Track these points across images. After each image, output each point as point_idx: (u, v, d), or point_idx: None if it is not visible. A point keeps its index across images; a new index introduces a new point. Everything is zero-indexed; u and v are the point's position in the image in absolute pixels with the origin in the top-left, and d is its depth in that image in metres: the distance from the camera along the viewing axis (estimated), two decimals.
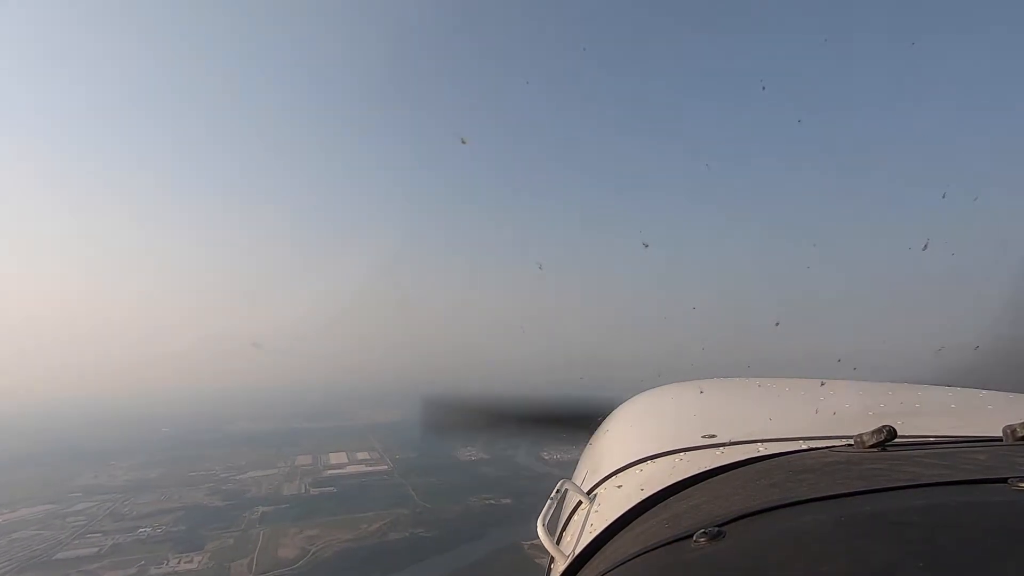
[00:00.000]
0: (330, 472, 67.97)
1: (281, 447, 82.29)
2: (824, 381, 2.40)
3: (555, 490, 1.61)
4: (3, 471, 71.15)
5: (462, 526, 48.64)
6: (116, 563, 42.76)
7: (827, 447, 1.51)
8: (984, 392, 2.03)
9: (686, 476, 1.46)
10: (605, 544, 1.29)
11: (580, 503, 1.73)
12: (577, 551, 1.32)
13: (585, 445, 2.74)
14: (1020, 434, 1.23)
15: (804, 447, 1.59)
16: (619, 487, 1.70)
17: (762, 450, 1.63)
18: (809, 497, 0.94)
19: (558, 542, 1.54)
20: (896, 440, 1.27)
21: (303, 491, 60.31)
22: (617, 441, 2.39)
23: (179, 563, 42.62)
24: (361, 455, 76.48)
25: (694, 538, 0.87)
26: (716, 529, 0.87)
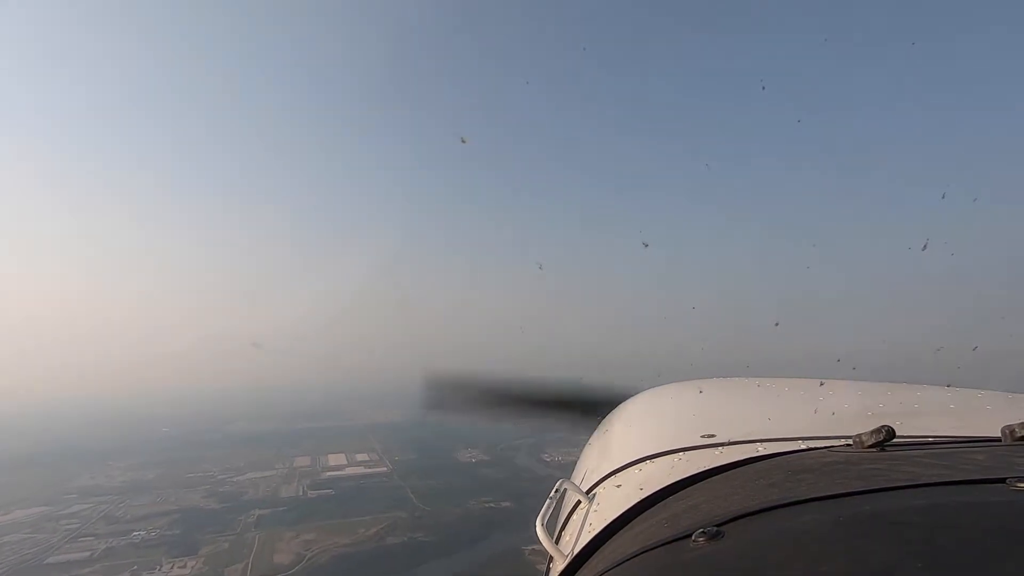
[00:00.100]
0: (329, 474, 67.78)
1: (280, 448, 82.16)
2: (823, 381, 2.39)
3: (554, 490, 1.60)
4: (2, 471, 71.00)
5: (461, 530, 48.18)
6: (108, 568, 42.17)
7: (826, 447, 1.51)
8: (983, 392, 2.03)
9: (685, 476, 1.46)
10: (604, 544, 1.29)
11: (579, 503, 1.72)
12: (576, 551, 1.32)
13: (585, 443, 2.74)
14: (1019, 434, 1.23)
15: (803, 447, 1.59)
16: (618, 487, 1.70)
17: (761, 450, 1.62)
18: (808, 497, 0.94)
19: (557, 542, 1.53)
20: (895, 440, 1.27)
21: (301, 493, 60.06)
22: (616, 441, 2.38)
23: (172, 568, 41.93)
24: (360, 456, 76.33)
25: (693, 538, 0.87)
26: (715, 529, 0.87)
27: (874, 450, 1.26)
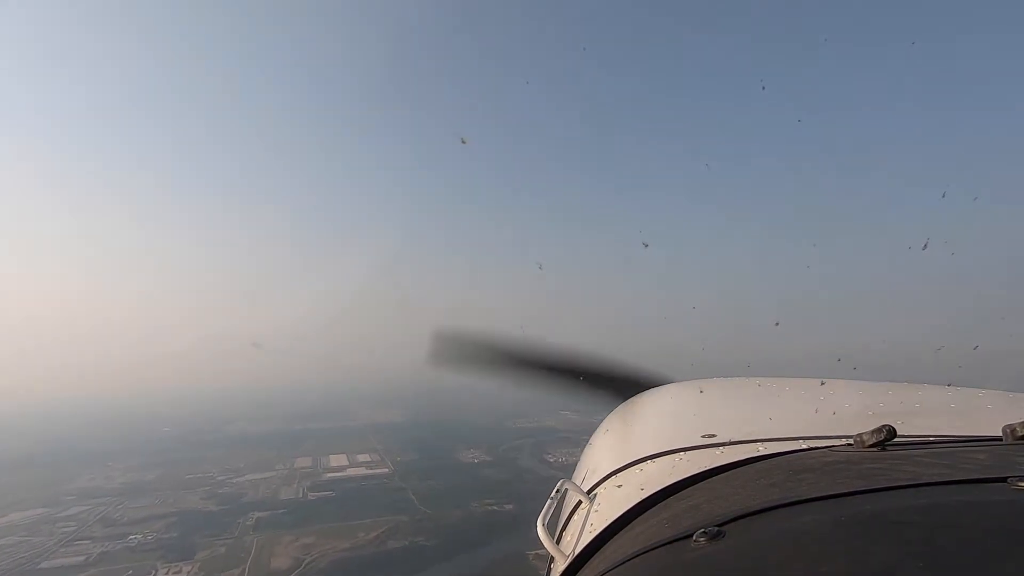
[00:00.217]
0: (329, 475, 67.50)
1: (281, 448, 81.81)
2: (824, 381, 2.39)
3: (555, 490, 1.60)
4: (1, 472, 70.81)
5: (463, 534, 47.59)
6: (102, 573, 41.48)
7: (827, 447, 1.51)
8: (984, 392, 2.02)
9: (686, 476, 1.45)
10: (605, 544, 1.29)
11: (580, 503, 1.72)
12: (577, 551, 1.32)
13: (586, 443, 2.73)
14: (1020, 433, 1.23)
15: (804, 447, 1.59)
16: (619, 487, 1.70)
17: (762, 450, 1.62)
18: (809, 497, 0.94)
19: (558, 542, 1.53)
20: (896, 440, 1.27)
21: (301, 495, 59.66)
22: (617, 441, 2.38)
23: (167, 573, 41.33)
24: (362, 457, 76.06)
25: (694, 538, 0.87)
26: (716, 529, 0.87)
27: (875, 450, 1.26)
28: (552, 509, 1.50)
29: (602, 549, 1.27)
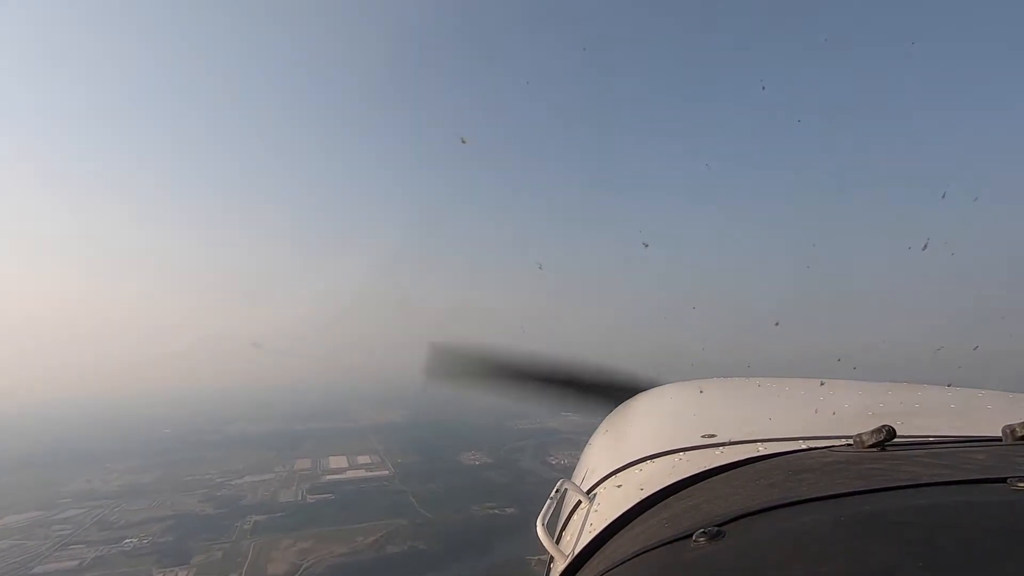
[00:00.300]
0: (329, 477, 67.11)
1: (281, 450, 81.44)
2: (824, 381, 2.39)
3: (555, 490, 1.60)
4: (1, 473, 70.62)
5: (463, 539, 47.00)
6: None
7: (827, 447, 1.51)
8: (984, 392, 2.03)
9: (686, 476, 1.45)
10: (605, 544, 1.29)
11: (580, 503, 1.72)
12: (577, 551, 1.32)
13: (585, 443, 2.73)
14: (1019, 434, 1.23)
15: (804, 447, 1.59)
16: (619, 487, 1.70)
17: (762, 450, 1.62)
18: (808, 497, 0.94)
19: (558, 542, 1.53)
20: (896, 440, 1.27)
21: (300, 498, 59.09)
22: (617, 441, 2.38)
23: None
24: (362, 459, 75.68)
25: (693, 538, 0.87)
26: (715, 529, 0.87)
27: (874, 450, 1.26)
28: (552, 509, 1.49)
29: (602, 549, 1.27)
